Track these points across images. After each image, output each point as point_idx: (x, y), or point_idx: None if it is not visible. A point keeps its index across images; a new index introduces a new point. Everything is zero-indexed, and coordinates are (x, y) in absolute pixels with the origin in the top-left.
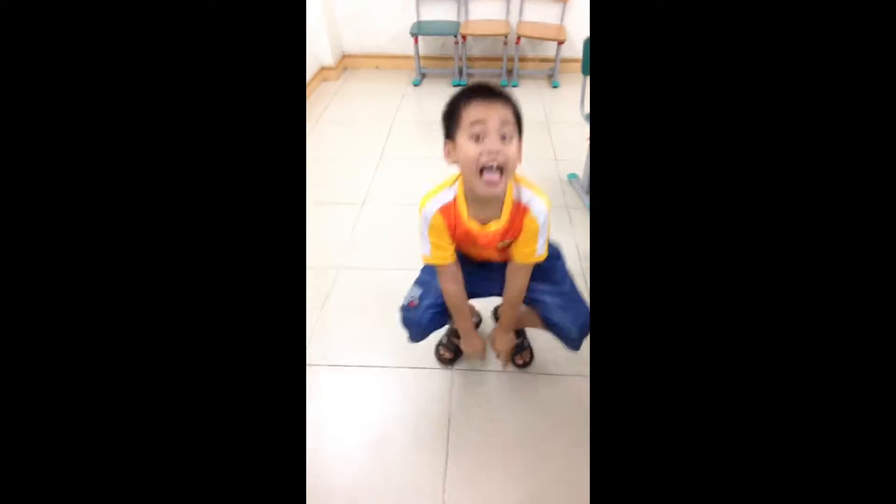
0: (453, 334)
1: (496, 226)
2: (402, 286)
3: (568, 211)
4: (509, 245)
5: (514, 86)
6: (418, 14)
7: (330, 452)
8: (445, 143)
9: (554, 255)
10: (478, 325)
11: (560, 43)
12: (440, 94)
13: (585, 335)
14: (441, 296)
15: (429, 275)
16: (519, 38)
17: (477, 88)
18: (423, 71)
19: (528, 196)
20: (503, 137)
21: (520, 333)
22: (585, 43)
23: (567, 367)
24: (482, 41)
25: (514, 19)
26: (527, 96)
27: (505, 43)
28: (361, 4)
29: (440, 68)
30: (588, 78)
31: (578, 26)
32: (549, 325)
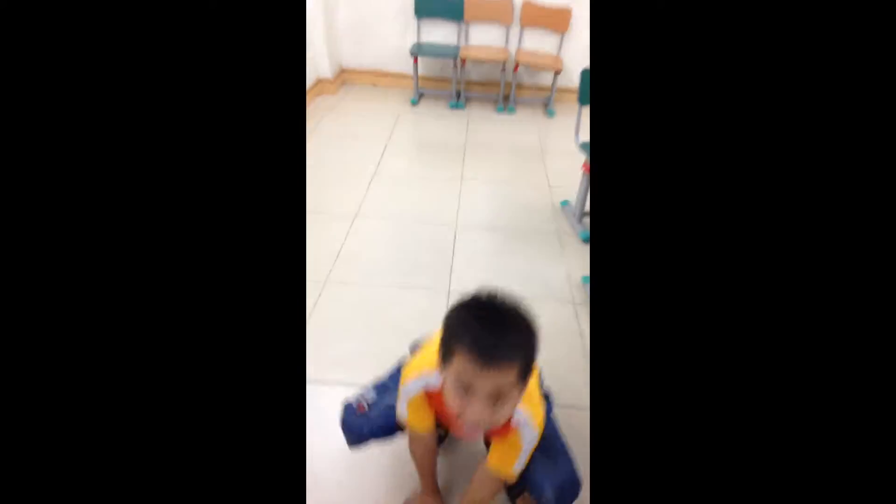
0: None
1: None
2: (390, 303)
3: (560, 238)
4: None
5: (510, 111)
6: (419, 35)
7: (309, 468)
8: (439, 355)
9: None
10: (442, 439)
11: (557, 72)
12: (438, 116)
13: (563, 502)
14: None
15: (392, 381)
16: (517, 65)
17: (477, 338)
18: (422, 91)
19: (521, 418)
20: (496, 398)
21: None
22: (584, 73)
23: None
24: (481, 66)
25: (512, 47)
26: (522, 123)
27: (503, 69)
28: (362, 20)
29: (438, 89)
30: (585, 107)
31: (575, 57)
32: (522, 481)
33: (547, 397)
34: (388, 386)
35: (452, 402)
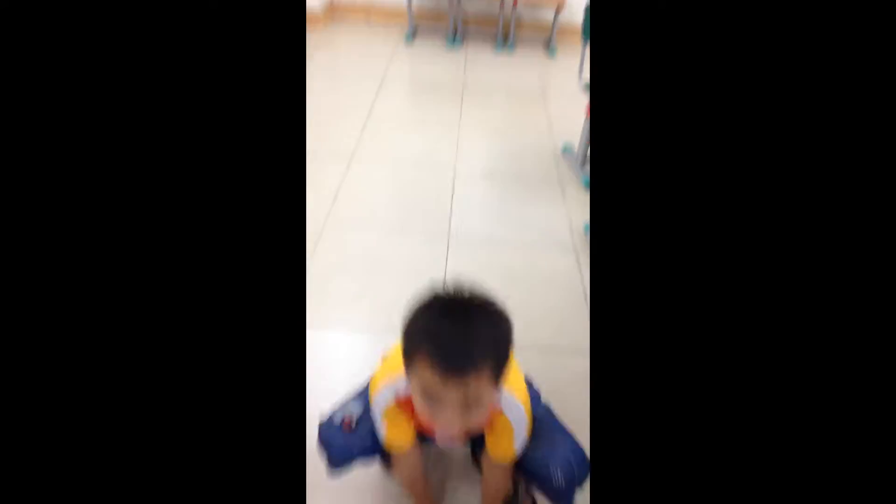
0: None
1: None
2: (389, 248)
3: (561, 183)
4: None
5: (510, 50)
6: None
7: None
8: (403, 358)
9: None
10: None
11: (559, 9)
12: (434, 54)
13: (577, 483)
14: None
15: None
16: (516, 0)
17: (438, 346)
18: (416, 27)
19: (505, 400)
20: (468, 405)
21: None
22: (587, 9)
23: None
24: (478, 0)
25: None
26: (522, 62)
27: (501, 4)
28: None
29: (434, 26)
30: (588, 44)
31: None
32: (525, 474)
33: (531, 385)
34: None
35: (421, 411)
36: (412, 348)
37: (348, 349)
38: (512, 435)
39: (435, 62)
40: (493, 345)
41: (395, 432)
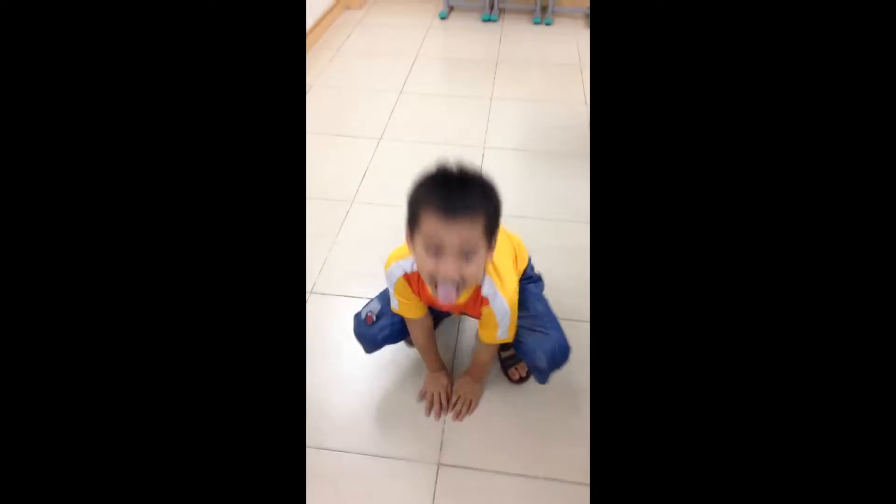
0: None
1: (457, 301)
2: None
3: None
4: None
5: (547, 23)
6: None
7: (335, 376)
8: (406, 229)
9: (528, 277)
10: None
11: None
12: (469, 30)
13: (555, 366)
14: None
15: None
16: None
17: (440, 196)
18: (451, 3)
19: (489, 289)
20: (465, 254)
21: (507, 347)
22: None
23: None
24: None
25: None
26: (560, 36)
27: None
28: None
29: (470, 1)
30: None
31: None
32: (515, 348)
33: (539, 278)
34: (388, 294)
35: (424, 267)
36: (417, 207)
37: None
38: (497, 327)
39: (469, 37)
40: (484, 201)
41: (406, 304)
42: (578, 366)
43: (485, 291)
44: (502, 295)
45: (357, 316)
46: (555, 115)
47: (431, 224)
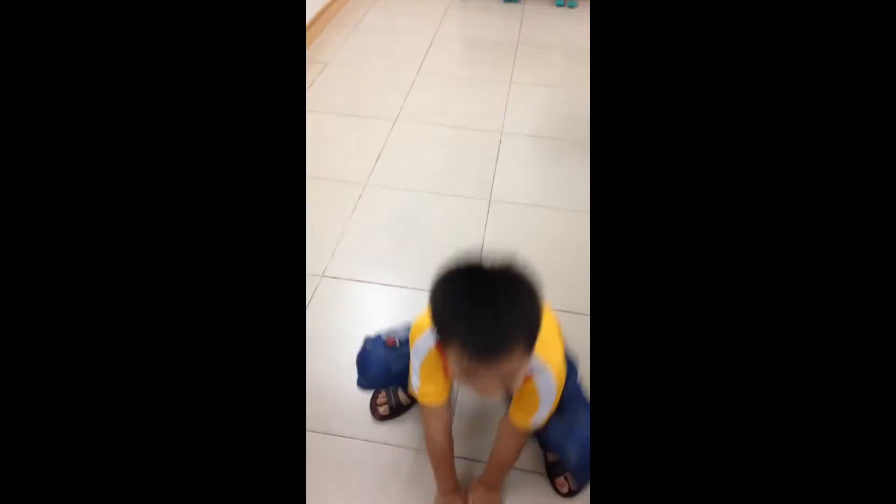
0: (403, 385)
1: None
2: (427, 209)
3: None
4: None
5: (571, 6)
6: None
7: (341, 363)
8: (436, 335)
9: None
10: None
11: None
12: (489, 10)
13: (585, 465)
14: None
15: None
16: None
17: (469, 333)
18: None
19: (535, 364)
20: (504, 380)
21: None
22: None
23: None
24: None
25: None
26: (584, 19)
27: None
28: None
29: None
30: None
31: None
32: (543, 443)
33: (571, 363)
34: (412, 372)
35: (458, 380)
36: (443, 333)
37: (386, 301)
38: (537, 406)
39: (490, 18)
40: (523, 325)
41: (430, 387)
42: None
43: (530, 368)
44: (550, 369)
45: (374, 337)
46: (576, 102)
47: (461, 363)
